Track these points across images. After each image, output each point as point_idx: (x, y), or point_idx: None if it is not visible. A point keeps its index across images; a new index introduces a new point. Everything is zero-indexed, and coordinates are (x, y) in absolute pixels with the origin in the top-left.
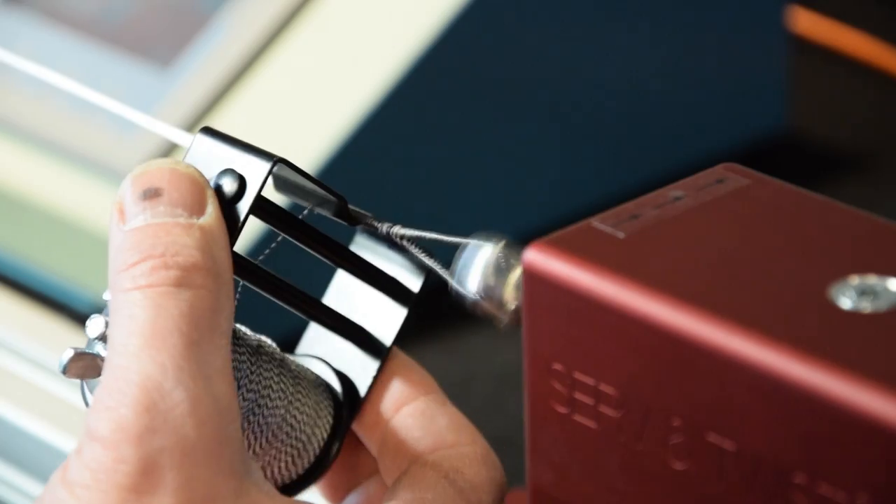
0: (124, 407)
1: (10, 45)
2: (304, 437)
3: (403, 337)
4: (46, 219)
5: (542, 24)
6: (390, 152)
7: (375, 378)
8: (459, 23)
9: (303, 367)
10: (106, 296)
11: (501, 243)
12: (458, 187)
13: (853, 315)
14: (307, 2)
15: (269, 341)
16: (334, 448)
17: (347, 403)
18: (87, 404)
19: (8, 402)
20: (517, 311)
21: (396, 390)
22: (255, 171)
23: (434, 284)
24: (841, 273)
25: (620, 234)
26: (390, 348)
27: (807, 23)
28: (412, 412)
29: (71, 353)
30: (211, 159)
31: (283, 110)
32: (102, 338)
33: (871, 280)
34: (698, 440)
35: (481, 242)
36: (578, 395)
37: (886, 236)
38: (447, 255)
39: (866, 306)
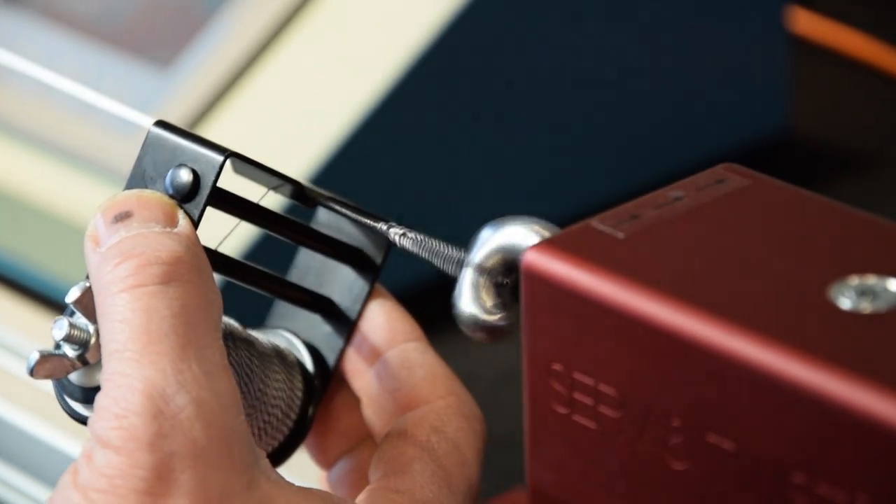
0: (133, 415)
1: (9, 46)
2: (278, 412)
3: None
4: (46, 219)
5: (542, 24)
6: (390, 153)
7: (343, 349)
8: (460, 23)
9: (271, 341)
10: (68, 298)
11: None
12: (457, 188)
13: (853, 315)
14: (307, 2)
15: (233, 322)
16: (308, 418)
17: (319, 374)
18: (59, 399)
19: (8, 402)
20: (504, 320)
21: (380, 336)
22: (209, 165)
23: (389, 253)
24: (840, 273)
25: (620, 235)
26: (357, 319)
27: (807, 23)
28: (392, 361)
29: (37, 356)
30: (165, 153)
31: (283, 110)
32: (68, 339)
33: (871, 280)
34: (698, 440)
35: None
36: (578, 396)
37: (886, 236)
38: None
39: (866, 306)
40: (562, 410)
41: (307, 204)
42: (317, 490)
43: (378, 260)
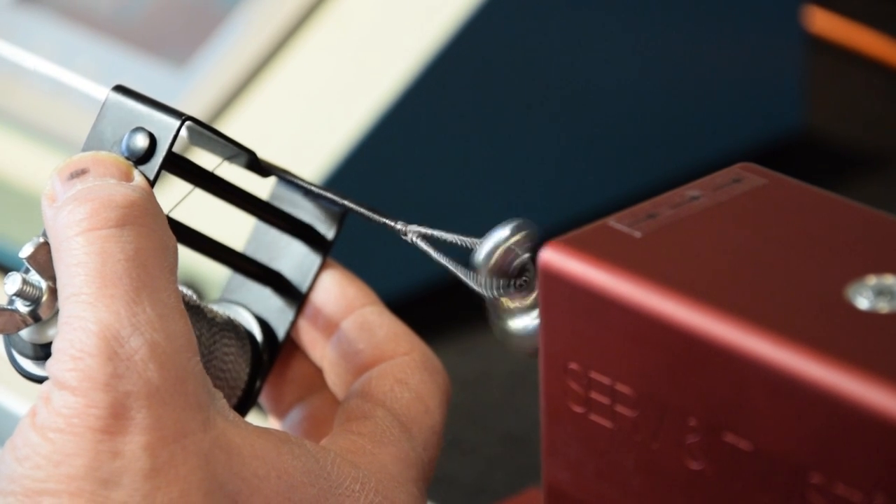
0: (89, 357)
1: (27, 44)
2: (226, 380)
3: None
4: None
5: (558, 23)
6: (405, 151)
7: (293, 322)
8: (475, 22)
9: (221, 312)
10: (22, 253)
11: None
12: (474, 186)
13: (870, 315)
14: (323, 1)
15: (186, 290)
16: (256, 389)
17: (267, 347)
18: (9, 356)
19: (9, 392)
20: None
21: (336, 304)
22: (165, 129)
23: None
24: (858, 273)
25: (637, 234)
26: (307, 292)
27: (823, 22)
28: (352, 325)
29: None
30: (123, 117)
31: (299, 109)
32: (21, 294)
33: (889, 280)
34: (714, 440)
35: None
36: (594, 395)
37: None
38: (461, 254)
39: (883, 306)
40: (578, 409)
41: (262, 174)
42: (274, 430)
43: (330, 235)
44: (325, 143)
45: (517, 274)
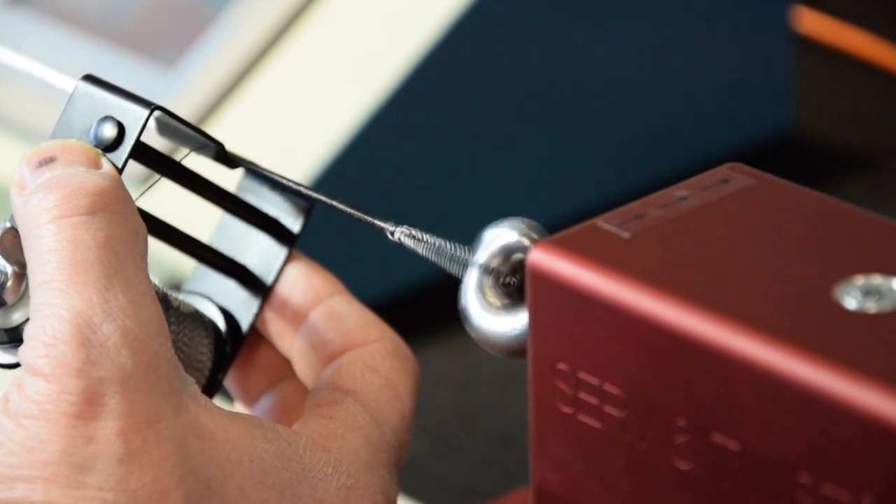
0: (62, 343)
1: (15, 45)
2: (190, 369)
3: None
4: None
5: (547, 23)
6: (396, 151)
7: (257, 314)
8: (466, 21)
9: (186, 303)
10: None
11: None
12: (463, 187)
13: (858, 315)
14: (312, 1)
15: (152, 279)
16: (217, 383)
17: (231, 339)
18: None
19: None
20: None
21: (303, 295)
22: (134, 118)
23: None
24: (846, 273)
25: (625, 234)
26: (272, 286)
27: (812, 22)
28: (321, 315)
29: None
30: (92, 106)
31: (288, 110)
32: None
33: (876, 280)
34: (703, 440)
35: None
36: (583, 395)
37: (891, 236)
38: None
39: (871, 306)
40: (567, 410)
41: (230, 165)
42: (246, 414)
43: (296, 228)
44: (315, 144)
45: (510, 270)
